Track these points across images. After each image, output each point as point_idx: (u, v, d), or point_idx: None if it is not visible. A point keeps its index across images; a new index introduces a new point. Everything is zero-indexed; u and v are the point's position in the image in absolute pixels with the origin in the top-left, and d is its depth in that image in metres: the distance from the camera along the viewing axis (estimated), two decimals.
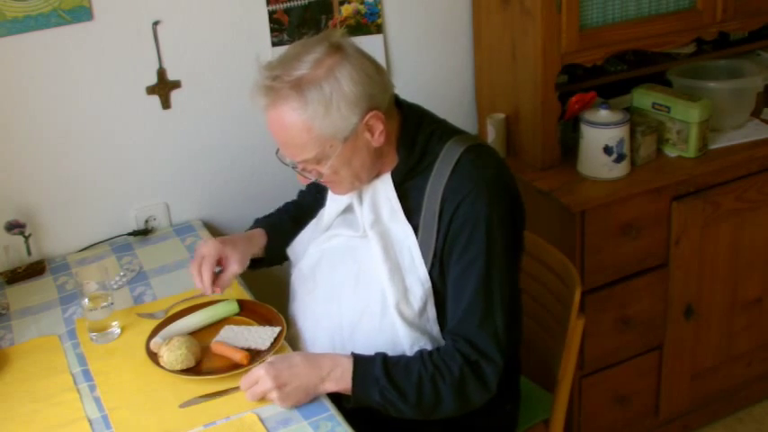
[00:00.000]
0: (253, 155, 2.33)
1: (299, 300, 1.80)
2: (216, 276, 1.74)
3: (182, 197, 2.30)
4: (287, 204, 1.99)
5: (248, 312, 1.80)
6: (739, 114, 2.52)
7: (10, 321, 1.89)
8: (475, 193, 1.54)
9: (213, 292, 1.73)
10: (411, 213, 1.62)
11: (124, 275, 2.03)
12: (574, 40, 2.23)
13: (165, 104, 2.20)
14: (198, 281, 1.73)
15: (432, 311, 1.62)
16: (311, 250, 1.77)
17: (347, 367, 1.54)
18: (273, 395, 1.51)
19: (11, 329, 1.86)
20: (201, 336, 1.72)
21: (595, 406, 2.45)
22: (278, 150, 1.61)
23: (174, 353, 1.62)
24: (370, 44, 2.31)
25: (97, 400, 1.59)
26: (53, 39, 2.02)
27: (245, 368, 1.61)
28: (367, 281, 1.65)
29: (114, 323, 1.79)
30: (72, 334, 1.81)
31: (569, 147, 2.39)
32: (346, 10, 2.32)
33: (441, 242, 1.58)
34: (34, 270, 2.08)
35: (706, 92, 2.42)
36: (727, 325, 2.56)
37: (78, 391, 1.63)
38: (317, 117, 1.49)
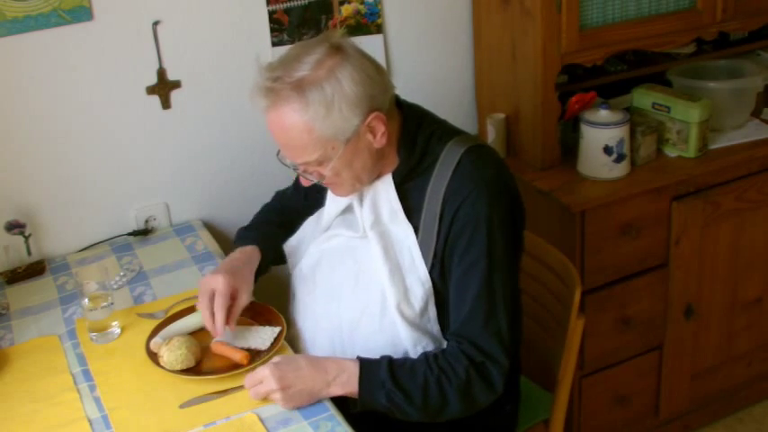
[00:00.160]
0: (253, 155, 2.33)
1: (298, 300, 1.79)
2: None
3: (182, 197, 2.30)
4: (268, 212, 1.93)
5: (248, 312, 1.79)
6: (739, 114, 2.52)
7: (10, 321, 1.89)
8: (476, 194, 1.54)
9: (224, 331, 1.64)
10: (411, 213, 1.62)
11: (124, 275, 2.03)
12: (574, 40, 2.23)
13: (165, 104, 2.20)
14: (209, 323, 1.63)
15: (432, 311, 1.62)
16: (311, 250, 1.77)
17: (353, 371, 1.53)
18: (277, 396, 1.51)
19: (11, 329, 1.86)
20: (201, 336, 1.72)
21: (595, 406, 2.45)
22: (279, 152, 1.61)
23: (174, 353, 1.62)
24: (370, 44, 2.30)
25: (97, 400, 1.59)
26: (53, 39, 2.02)
27: (246, 368, 1.61)
28: (367, 281, 1.65)
29: (114, 323, 1.79)
30: (72, 334, 1.81)
31: (569, 147, 2.38)
32: (346, 10, 2.32)
33: (441, 243, 1.58)
34: (34, 270, 2.08)
35: (706, 92, 2.42)
36: (727, 325, 2.56)
37: (78, 391, 1.63)
38: (318, 118, 1.48)
